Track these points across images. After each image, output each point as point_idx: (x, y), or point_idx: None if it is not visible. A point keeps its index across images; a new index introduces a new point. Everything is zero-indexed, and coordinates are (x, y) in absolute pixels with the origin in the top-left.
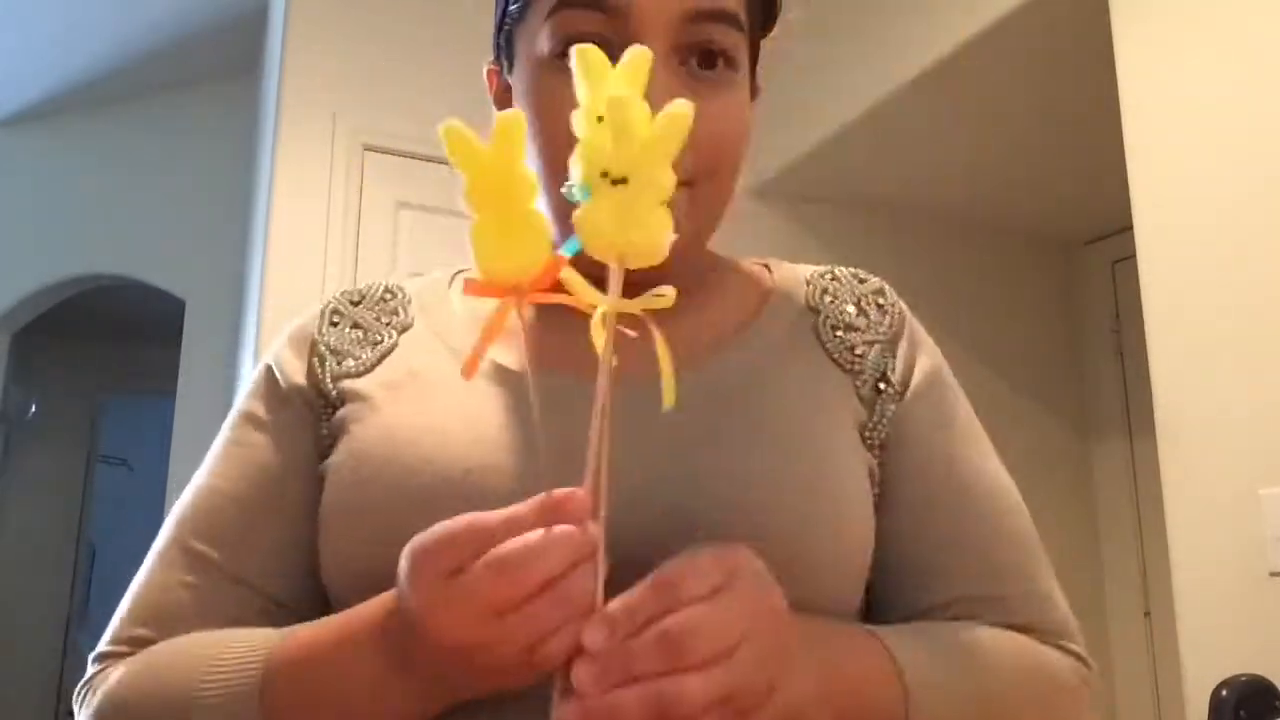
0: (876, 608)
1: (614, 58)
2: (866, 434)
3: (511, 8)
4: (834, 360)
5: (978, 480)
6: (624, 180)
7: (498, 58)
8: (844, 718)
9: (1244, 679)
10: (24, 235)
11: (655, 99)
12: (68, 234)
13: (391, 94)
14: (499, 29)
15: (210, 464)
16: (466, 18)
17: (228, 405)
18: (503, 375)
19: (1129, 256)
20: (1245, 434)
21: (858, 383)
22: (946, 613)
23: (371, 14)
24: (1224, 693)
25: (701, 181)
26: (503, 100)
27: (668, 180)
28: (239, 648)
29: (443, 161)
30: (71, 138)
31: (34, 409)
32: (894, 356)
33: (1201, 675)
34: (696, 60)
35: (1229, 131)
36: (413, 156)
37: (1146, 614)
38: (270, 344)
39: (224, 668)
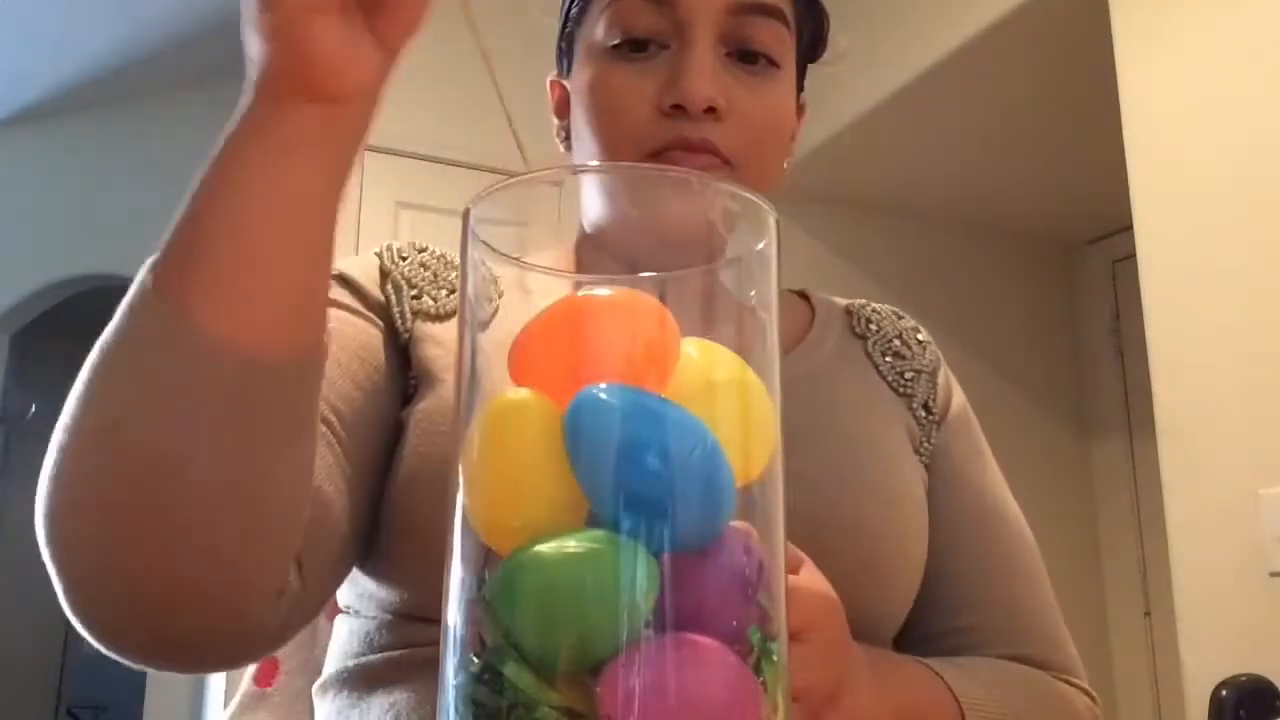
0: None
1: (666, 47)
2: (920, 452)
3: (573, 11)
4: (887, 382)
5: (1002, 515)
6: None
7: (559, 66)
8: None
9: (1244, 679)
10: (24, 235)
11: (699, 83)
12: (68, 234)
13: (392, 94)
14: (561, 35)
15: None
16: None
17: None
18: None
19: (1129, 256)
20: (1245, 434)
21: (911, 405)
22: (961, 637)
23: None
24: (1224, 693)
25: (741, 165)
26: (562, 110)
27: None
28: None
29: (443, 161)
30: (71, 138)
31: (34, 409)
32: (935, 387)
33: (1201, 675)
34: (739, 56)
35: (1229, 131)
36: (413, 156)
37: (1146, 614)
38: None
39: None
